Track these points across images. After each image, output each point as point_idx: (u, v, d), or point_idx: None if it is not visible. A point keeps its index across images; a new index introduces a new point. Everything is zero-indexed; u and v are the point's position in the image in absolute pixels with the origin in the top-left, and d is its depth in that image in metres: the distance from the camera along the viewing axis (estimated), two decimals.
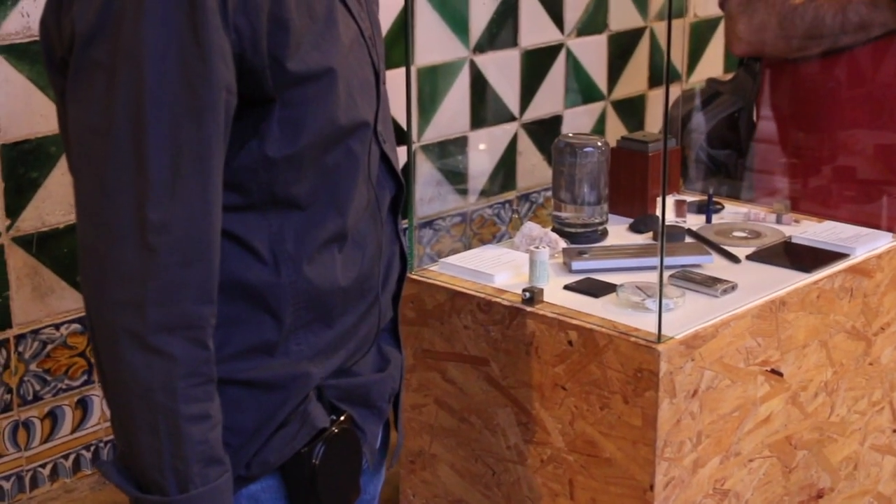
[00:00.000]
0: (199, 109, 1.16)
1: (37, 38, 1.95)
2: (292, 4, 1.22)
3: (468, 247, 2.63)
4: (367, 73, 1.34)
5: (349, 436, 1.36)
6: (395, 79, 2.48)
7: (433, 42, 2.58)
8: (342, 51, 1.28)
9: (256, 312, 1.29)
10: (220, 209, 1.20)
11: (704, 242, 2.06)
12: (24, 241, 2.00)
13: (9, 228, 1.98)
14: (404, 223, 2.54)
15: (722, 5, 2.43)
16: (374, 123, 1.36)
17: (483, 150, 2.74)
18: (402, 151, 2.45)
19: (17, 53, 1.95)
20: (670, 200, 2.19)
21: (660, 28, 3.04)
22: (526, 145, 2.81)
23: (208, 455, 1.21)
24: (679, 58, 2.85)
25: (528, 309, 1.81)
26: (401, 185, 1.44)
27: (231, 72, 1.18)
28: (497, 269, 1.92)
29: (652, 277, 1.82)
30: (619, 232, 2.12)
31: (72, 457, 2.14)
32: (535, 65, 2.79)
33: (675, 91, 2.62)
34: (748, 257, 2.01)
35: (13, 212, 1.98)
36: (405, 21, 2.44)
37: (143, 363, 1.17)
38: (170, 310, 1.17)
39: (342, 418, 1.36)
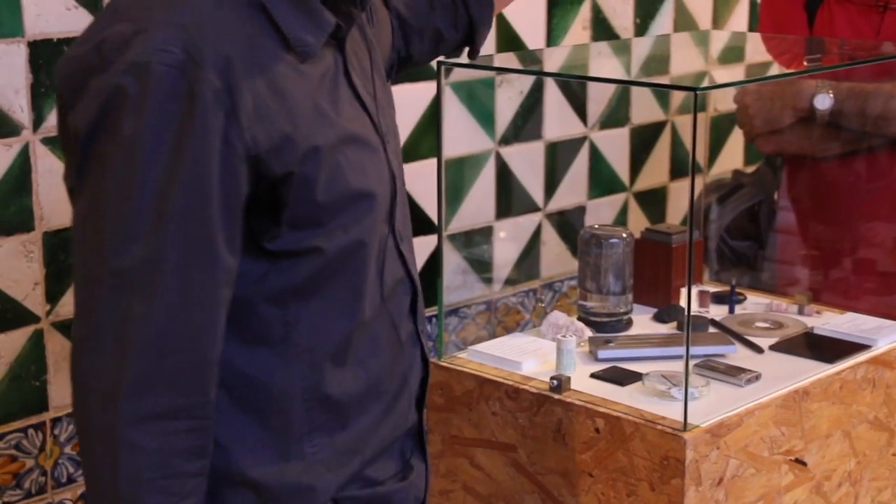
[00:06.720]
0: (188, 207, 1.18)
1: None
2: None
3: (493, 334, 2.67)
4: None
5: None
6: (424, 170, 2.55)
7: (460, 135, 2.65)
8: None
9: (269, 412, 1.30)
10: (213, 301, 1.21)
11: (728, 333, 2.09)
12: (63, 327, 2.05)
13: (49, 313, 2.04)
14: (426, 311, 2.58)
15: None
16: (391, 220, 1.38)
17: (507, 240, 2.79)
18: (432, 240, 2.51)
19: (59, 144, 2.01)
20: (693, 291, 2.22)
21: (681, 121, 3.11)
22: (550, 235, 2.86)
23: None
24: (701, 151, 2.91)
25: (556, 396, 1.84)
26: (416, 287, 1.44)
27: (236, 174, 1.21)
28: (524, 357, 1.95)
29: (677, 366, 1.85)
30: (643, 321, 2.16)
31: None
32: (559, 157, 2.85)
33: (698, 183, 2.67)
34: (771, 347, 2.04)
35: (53, 297, 2.03)
36: (434, 114, 2.51)
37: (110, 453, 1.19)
38: (141, 402, 1.18)
39: None
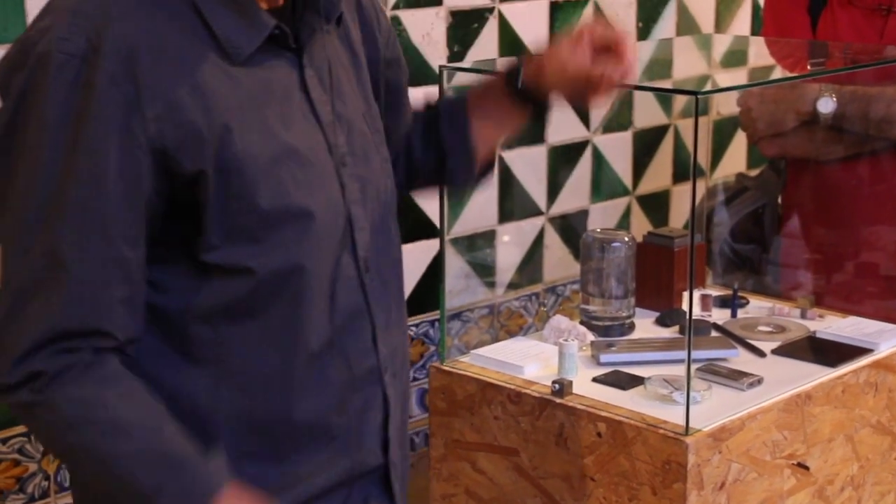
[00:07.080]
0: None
1: None
2: None
3: (495, 338, 2.67)
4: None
5: None
6: None
7: None
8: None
9: (195, 433, 1.26)
10: (109, 296, 1.20)
11: (730, 336, 2.09)
12: None
13: None
14: (429, 315, 2.58)
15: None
16: (353, 250, 1.33)
17: (510, 243, 2.79)
18: (435, 244, 2.51)
19: None
20: (695, 295, 2.22)
21: (683, 125, 3.11)
22: (552, 239, 2.86)
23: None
24: (703, 154, 2.91)
25: (558, 400, 1.84)
26: (373, 322, 1.36)
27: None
28: (526, 361, 1.96)
29: (679, 370, 1.85)
30: (645, 325, 2.16)
31: None
32: (562, 160, 2.85)
33: (701, 187, 2.67)
34: (773, 351, 2.04)
35: None
36: None
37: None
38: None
39: None
